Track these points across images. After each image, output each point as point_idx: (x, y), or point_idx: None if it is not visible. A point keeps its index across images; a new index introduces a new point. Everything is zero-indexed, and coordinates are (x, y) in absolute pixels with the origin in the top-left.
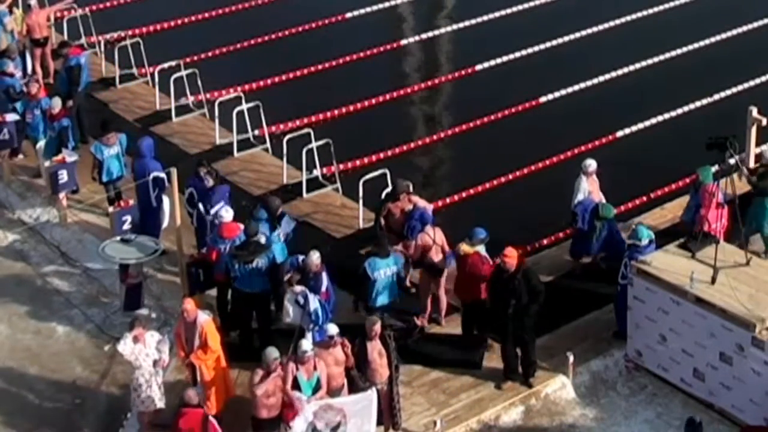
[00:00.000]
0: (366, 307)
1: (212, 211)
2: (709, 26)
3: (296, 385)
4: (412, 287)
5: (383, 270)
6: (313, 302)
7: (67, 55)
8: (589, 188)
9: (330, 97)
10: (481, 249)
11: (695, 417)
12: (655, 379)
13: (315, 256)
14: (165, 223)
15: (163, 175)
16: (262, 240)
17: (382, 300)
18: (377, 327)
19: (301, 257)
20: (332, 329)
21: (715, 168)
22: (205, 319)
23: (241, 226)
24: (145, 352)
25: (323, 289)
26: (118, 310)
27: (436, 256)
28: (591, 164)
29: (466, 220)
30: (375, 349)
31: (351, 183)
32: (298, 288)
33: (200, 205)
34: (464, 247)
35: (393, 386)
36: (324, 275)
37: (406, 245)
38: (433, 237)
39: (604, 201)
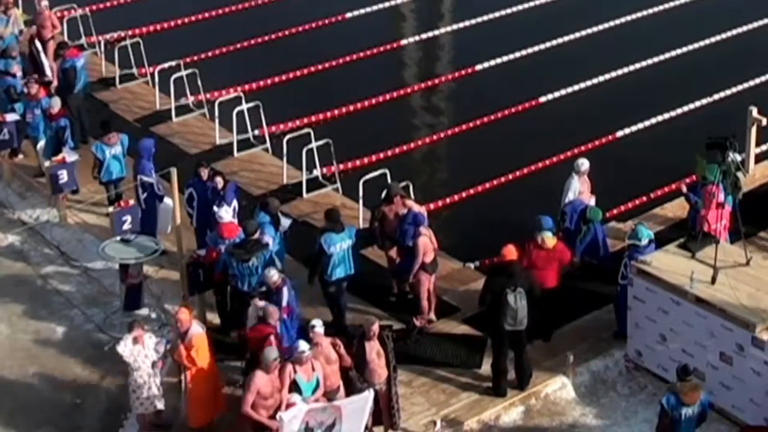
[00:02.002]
0: (322, 281)
1: (229, 210)
2: (709, 26)
3: (295, 387)
4: (409, 293)
5: (339, 244)
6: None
7: (64, 56)
8: (580, 188)
9: (330, 97)
10: None
11: (687, 366)
12: (655, 379)
13: (272, 273)
14: (168, 229)
15: (151, 179)
16: (266, 240)
17: (339, 273)
18: (375, 327)
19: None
20: (316, 322)
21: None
22: (197, 332)
23: (239, 229)
24: (144, 354)
25: (284, 303)
26: (118, 310)
27: (430, 256)
28: (583, 164)
29: (466, 221)
30: (373, 350)
31: (351, 183)
32: (260, 303)
33: (215, 208)
34: (549, 239)
35: (391, 387)
36: (285, 290)
37: (401, 253)
38: (429, 236)
39: (593, 202)
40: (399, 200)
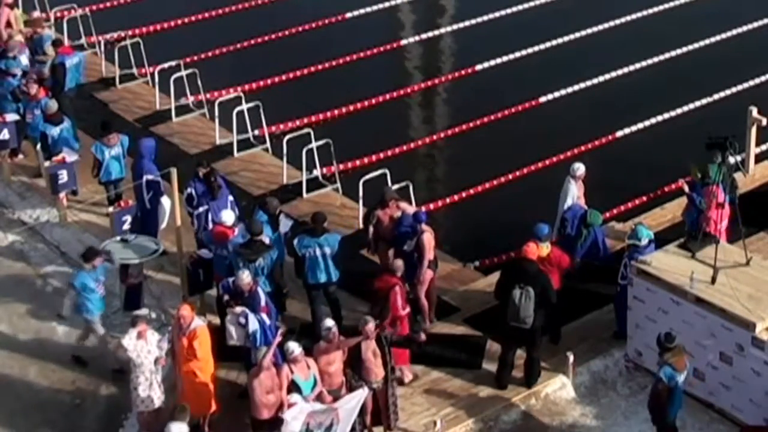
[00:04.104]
0: (304, 284)
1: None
2: (709, 26)
3: (295, 387)
4: (409, 293)
5: (312, 248)
6: (253, 324)
7: (56, 52)
8: (577, 193)
9: (330, 97)
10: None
11: (671, 332)
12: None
13: (244, 275)
14: (163, 225)
15: (157, 178)
16: (265, 241)
17: (312, 278)
18: (371, 326)
19: (231, 279)
20: (328, 322)
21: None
22: (199, 326)
23: (234, 233)
24: (147, 349)
25: (262, 304)
26: (118, 310)
27: (432, 253)
28: (580, 168)
29: (466, 221)
30: (369, 349)
31: (351, 183)
32: (239, 309)
33: (203, 208)
34: (542, 248)
35: (388, 386)
36: (259, 290)
37: (397, 256)
38: (431, 233)
39: (585, 206)
40: (393, 204)
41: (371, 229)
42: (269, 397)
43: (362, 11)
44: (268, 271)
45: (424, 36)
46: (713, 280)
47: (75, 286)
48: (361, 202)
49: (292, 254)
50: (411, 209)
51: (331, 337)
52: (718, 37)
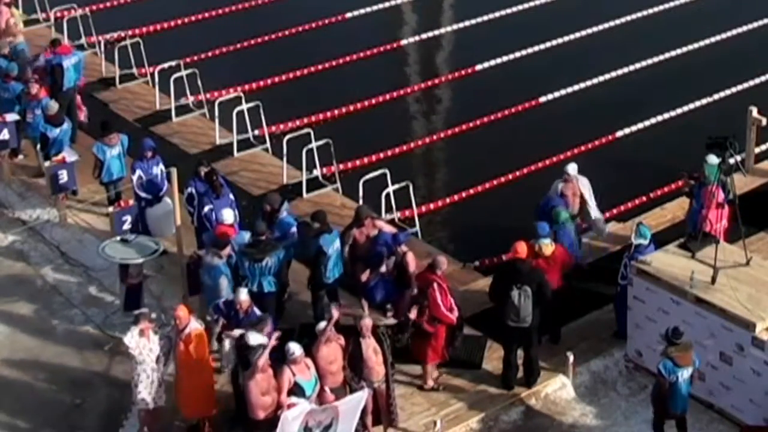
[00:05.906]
0: (317, 284)
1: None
2: (709, 26)
3: (299, 389)
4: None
5: (333, 244)
6: (255, 339)
7: (54, 52)
8: (562, 191)
9: (330, 97)
10: None
11: (678, 327)
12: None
13: (242, 295)
14: (166, 229)
15: (133, 176)
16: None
17: (335, 273)
18: (368, 323)
19: (221, 301)
20: (321, 325)
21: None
22: (195, 328)
23: (236, 232)
24: (149, 347)
25: None
26: (118, 310)
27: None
28: (569, 169)
29: (466, 221)
30: (370, 347)
31: (351, 183)
32: (237, 331)
33: (207, 208)
34: (545, 246)
35: (390, 384)
36: (255, 310)
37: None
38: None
39: (577, 206)
40: (369, 222)
41: (347, 249)
42: (265, 398)
43: (362, 11)
44: (275, 271)
45: (424, 36)
46: (713, 280)
47: (215, 276)
48: (361, 202)
49: (308, 256)
50: (387, 228)
51: (331, 336)
52: (717, 37)
